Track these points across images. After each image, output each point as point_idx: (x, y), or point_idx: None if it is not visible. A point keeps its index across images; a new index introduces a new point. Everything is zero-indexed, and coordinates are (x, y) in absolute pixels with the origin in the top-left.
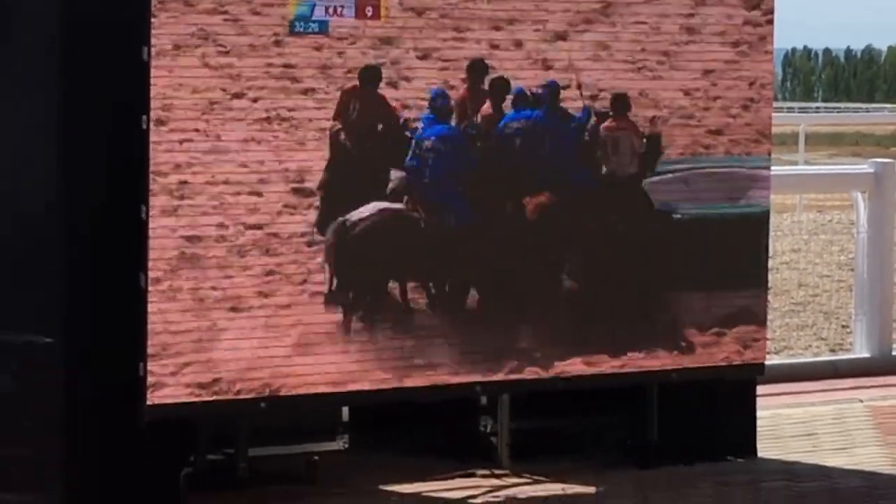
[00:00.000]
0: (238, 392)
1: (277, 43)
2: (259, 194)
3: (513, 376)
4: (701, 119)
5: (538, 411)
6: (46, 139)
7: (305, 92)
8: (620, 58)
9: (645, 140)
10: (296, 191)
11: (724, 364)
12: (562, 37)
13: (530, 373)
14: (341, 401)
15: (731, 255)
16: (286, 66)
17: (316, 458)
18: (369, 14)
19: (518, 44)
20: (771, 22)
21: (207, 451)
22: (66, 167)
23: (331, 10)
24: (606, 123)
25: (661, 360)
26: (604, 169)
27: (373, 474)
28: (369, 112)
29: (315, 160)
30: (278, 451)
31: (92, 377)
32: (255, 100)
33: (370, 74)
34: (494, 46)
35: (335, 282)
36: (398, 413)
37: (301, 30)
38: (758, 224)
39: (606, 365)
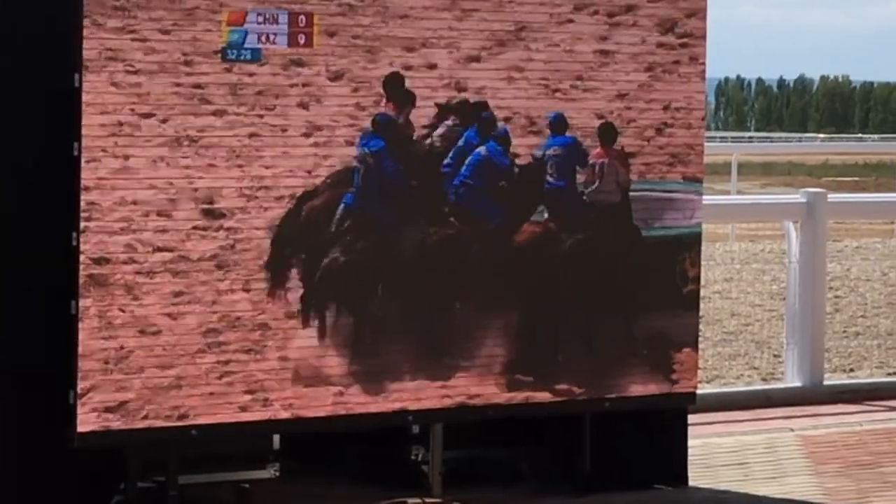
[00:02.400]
0: (146, 416)
1: (187, 63)
2: (168, 215)
3: (445, 405)
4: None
5: (470, 440)
6: None
7: (215, 113)
8: (534, 80)
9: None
10: (205, 212)
11: (656, 393)
12: (475, 59)
13: (463, 402)
14: (271, 429)
15: (650, 280)
16: (195, 86)
17: (247, 486)
18: (302, 42)
19: (432, 66)
20: (686, 46)
21: (138, 478)
22: None
23: (264, 38)
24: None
25: (593, 389)
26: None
27: (304, 503)
28: None
29: (225, 181)
30: (209, 479)
31: (20, 402)
32: (164, 120)
33: None
34: (408, 68)
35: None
36: (329, 441)
37: (233, 57)
38: (675, 247)
39: (539, 394)
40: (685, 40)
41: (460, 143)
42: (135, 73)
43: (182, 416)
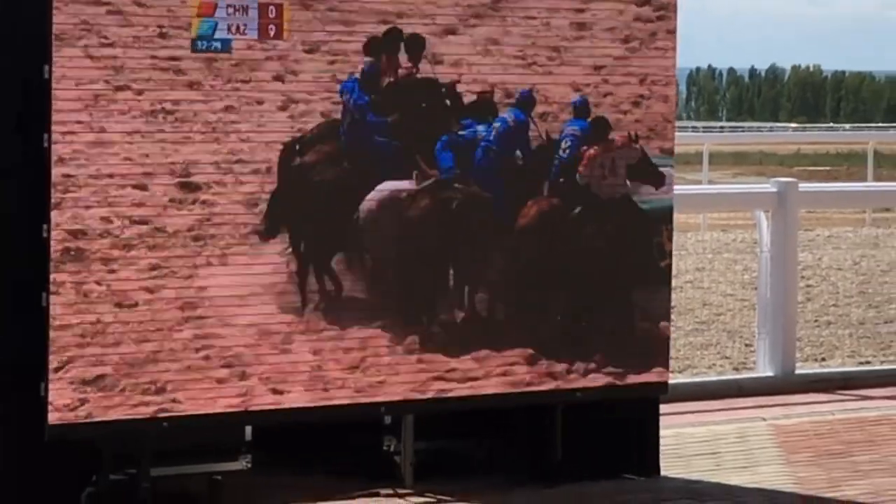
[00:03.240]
0: (123, 389)
1: (162, 35)
2: (144, 188)
3: (417, 396)
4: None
5: (442, 430)
6: None
7: (191, 86)
8: (511, 53)
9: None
10: (182, 186)
11: (627, 383)
12: (451, 31)
13: (435, 392)
14: (243, 420)
15: (629, 258)
16: (171, 58)
17: (219, 477)
18: (272, 33)
19: (408, 38)
20: (663, 18)
21: (111, 470)
22: None
23: (234, 29)
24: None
25: (566, 379)
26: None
27: (276, 494)
28: None
29: (202, 154)
30: (181, 471)
31: None
32: (139, 93)
33: None
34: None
35: None
36: (302, 432)
37: (203, 48)
38: (653, 221)
39: (511, 384)
40: (662, 12)
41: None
42: (109, 45)
43: (159, 391)
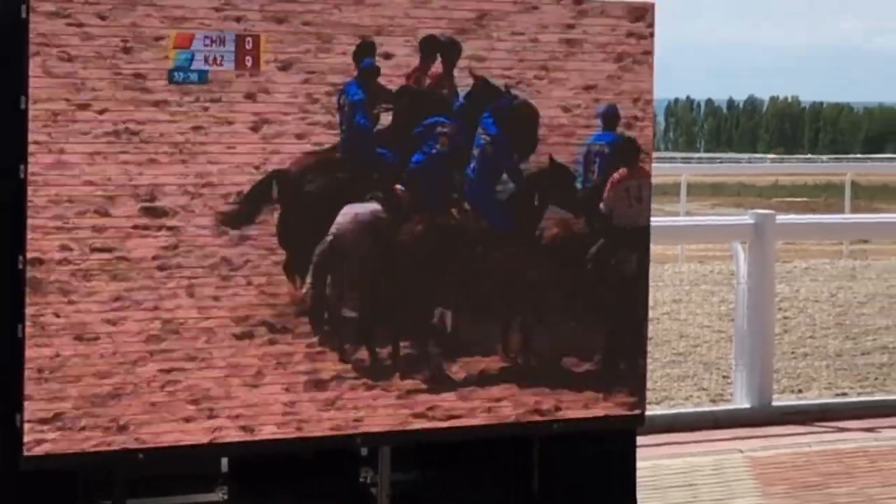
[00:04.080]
0: (82, 429)
1: (126, 50)
2: (106, 213)
3: (394, 427)
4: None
5: (419, 462)
6: None
7: (157, 104)
8: (497, 72)
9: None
10: (147, 211)
11: (604, 415)
12: None
13: (411, 424)
14: (216, 452)
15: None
16: (136, 75)
17: None
18: (249, 64)
19: (387, 55)
20: (654, 35)
21: (86, 501)
22: None
23: (210, 61)
24: None
25: (542, 411)
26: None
27: None
28: None
29: (168, 177)
30: (156, 503)
31: None
32: (101, 111)
33: None
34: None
35: None
36: (278, 464)
37: (180, 80)
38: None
39: (488, 416)
40: (652, 30)
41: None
42: (69, 60)
43: (122, 429)
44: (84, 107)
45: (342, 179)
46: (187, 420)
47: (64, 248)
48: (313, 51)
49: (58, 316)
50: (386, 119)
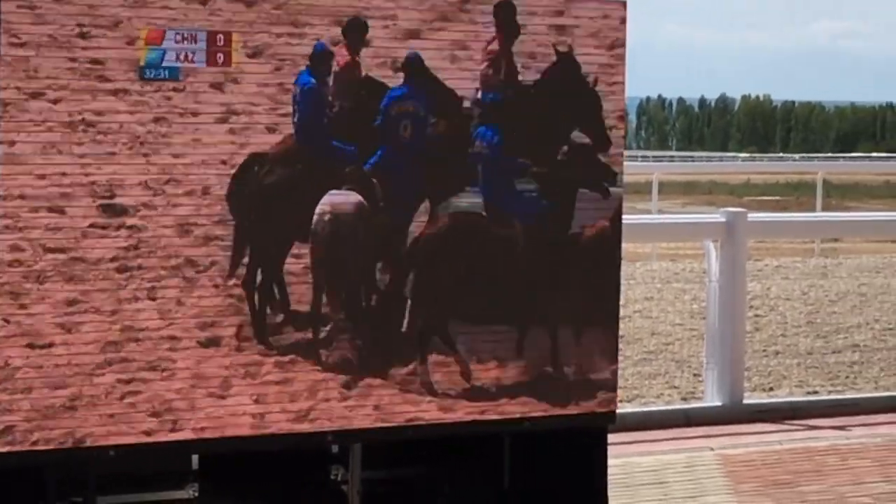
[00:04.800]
0: (35, 443)
1: (83, 35)
2: (61, 211)
3: (364, 425)
4: None
5: (390, 460)
6: None
7: (116, 93)
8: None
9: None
10: (105, 208)
11: (575, 413)
12: (414, 35)
13: (382, 421)
14: (187, 449)
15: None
16: (93, 62)
17: None
18: (220, 61)
19: (365, 42)
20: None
21: (56, 498)
22: None
23: (182, 57)
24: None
25: (513, 409)
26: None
27: None
28: None
29: (128, 173)
30: (126, 500)
31: None
32: (55, 101)
33: None
34: (336, 44)
35: None
36: (249, 461)
37: (151, 76)
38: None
39: (459, 413)
40: (620, 51)
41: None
42: (21, 45)
43: (77, 442)
44: (36, 95)
45: (298, 172)
46: (148, 433)
47: (15, 248)
48: (285, 37)
49: (7, 321)
50: (342, 109)
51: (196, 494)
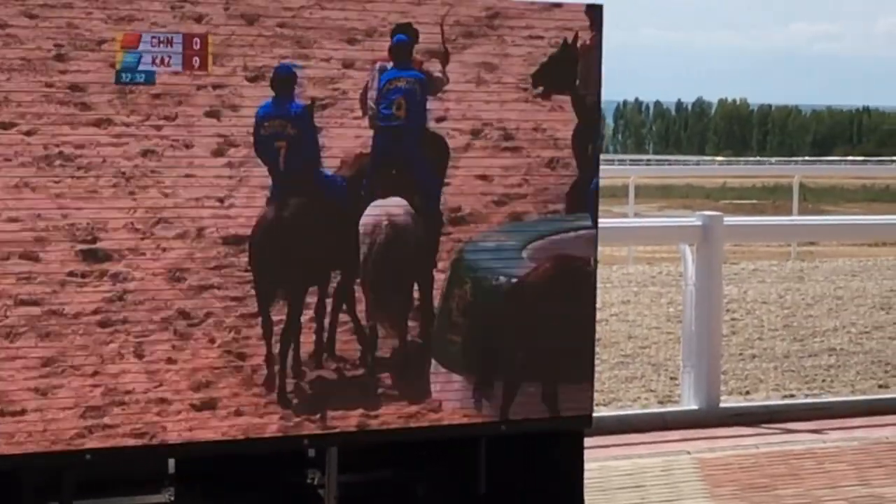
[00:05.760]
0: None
1: (60, 57)
2: (35, 258)
3: (341, 428)
4: None
5: (367, 463)
6: None
7: (98, 123)
8: (509, 81)
9: None
10: (85, 254)
11: (551, 415)
12: (434, 54)
13: (358, 425)
14: (167, 453)
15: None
16: (72, 87)
17: None
18: (196, 65)
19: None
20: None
21: (31, 502)
22: None
23: (158, 61)
24: None
25: (489, 412)
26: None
27: None
28: None
29: (111, 213)
30: None
31: None
32: (30, 132)
33: None
34: (349, 65)
35: None
36: (225, 464)
37: (127, 80)
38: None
39: (434, 416)
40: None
41: None
42: None
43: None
44: (8, 126)
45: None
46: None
47: None
48: (290, 59)
49: None
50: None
51: (172, 498)
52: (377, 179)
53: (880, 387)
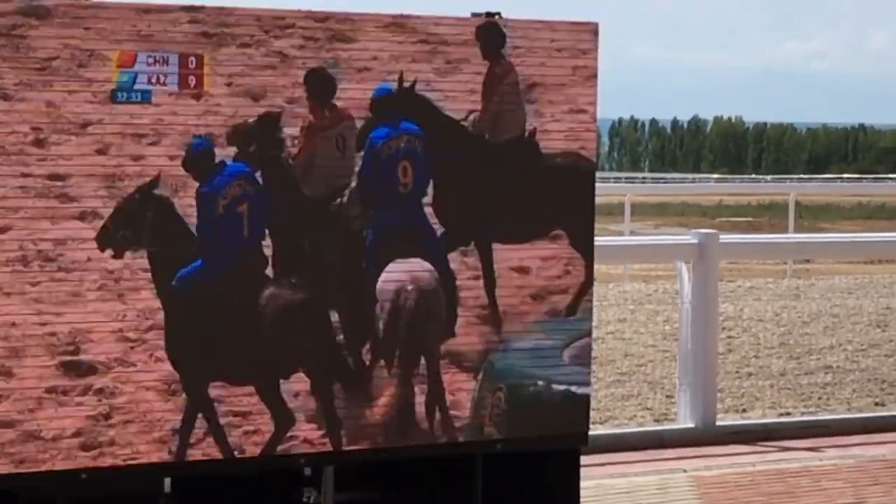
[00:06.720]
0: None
1: (38, 142)
2: (8, 374)
3: (338, 447)
4: None
5: (362, 482)
6: None
7: (83, 217)
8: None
9: None
10: (67, 367)
11: (548, 434)
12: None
13: (354, 443)
14: (163, 472)
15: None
16: (52, 176)
17: None
18: (192, 84)
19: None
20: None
21: None
22: None
23: (154, 80)
24: None
25: (485, 430)
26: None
27: None
28: None
29: (97, 319)
30: None
31: None
32: (3, 229)
33: None
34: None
35: None
36: (221, 483)
37: (123, 99)
38: None
39: (431, 434)
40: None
41: None
42: None
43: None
44: None
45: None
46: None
47: None
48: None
49: None
50: None
51: None
52: None
53: (877, 404)
